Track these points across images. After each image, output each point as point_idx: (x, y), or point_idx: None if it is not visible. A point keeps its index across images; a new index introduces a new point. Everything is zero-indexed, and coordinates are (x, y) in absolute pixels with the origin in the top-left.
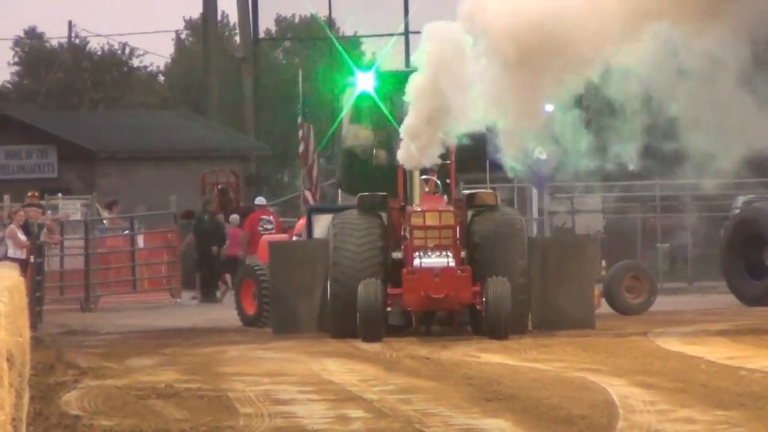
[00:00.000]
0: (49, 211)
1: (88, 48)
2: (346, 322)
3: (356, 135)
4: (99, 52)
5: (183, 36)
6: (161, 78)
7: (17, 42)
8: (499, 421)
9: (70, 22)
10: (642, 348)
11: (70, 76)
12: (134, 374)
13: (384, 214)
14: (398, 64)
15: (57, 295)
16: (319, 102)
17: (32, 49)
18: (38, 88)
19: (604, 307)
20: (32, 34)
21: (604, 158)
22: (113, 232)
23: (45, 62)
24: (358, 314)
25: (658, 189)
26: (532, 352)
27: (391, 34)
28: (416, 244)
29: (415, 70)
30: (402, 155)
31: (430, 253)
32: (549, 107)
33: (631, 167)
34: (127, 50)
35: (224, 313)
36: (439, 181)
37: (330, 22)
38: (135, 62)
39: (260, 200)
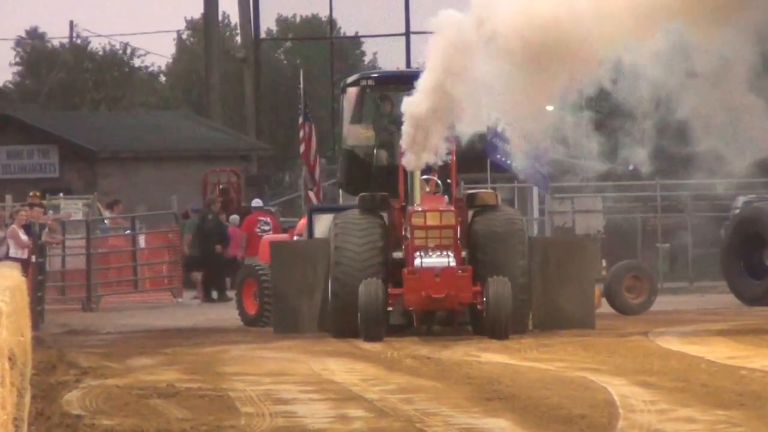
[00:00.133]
0: (51, 211)
1: (89, 48)
2: (347, 322)
3: (357, 135)
4: (100, 52)
5: (184, 36)
6: (162, 78)
7: (19, 42)
8: (500, 420)
9: (71, 22)
10: (642, 348)
11: (71, 76)
12: (135, 374)
13: (385, 214)
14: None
15: (58, 295)
16: (320, 102)
17: (34, 49)
18: (40, 88)
19: (604, 307)
20: (34, 34)
21: (614, 161)
22: (114, 232)
23: (46, 62)
24: (359, 314)
25: (658, 189)
26: (533, 351)
27: (392, 35)
28: (417, 244)
29: (417, 70)
30: (403, 155)
31: (430, 253)
32: (549, 107)
33: (643, 170)
34: (129, 50)
35: (225, 312)
36: (439, 181)
37: (330, 22)
38: (136, 62)
39: (257, 202)
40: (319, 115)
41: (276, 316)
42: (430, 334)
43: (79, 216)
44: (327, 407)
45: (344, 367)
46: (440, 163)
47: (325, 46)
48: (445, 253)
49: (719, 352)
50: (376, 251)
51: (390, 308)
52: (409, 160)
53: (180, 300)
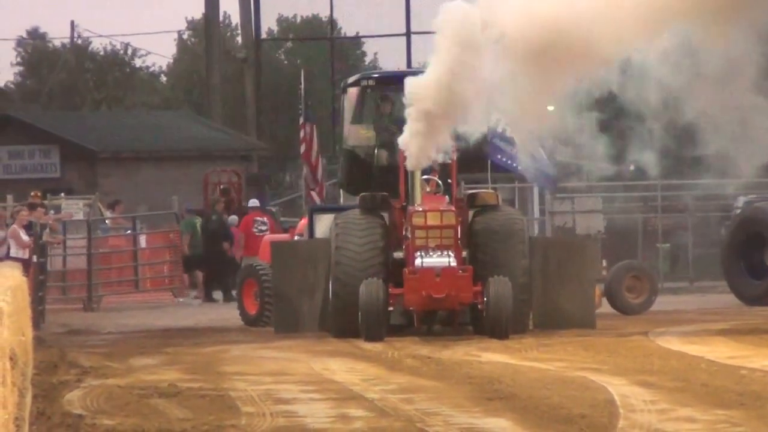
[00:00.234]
0: (52, 211)
1: (90, 48)
2: (347, 322)
3: (358, 135)
4: (101, 53)
5: (185, 36)
6: (163, 78)
7: (20, 42)
8: (500, 420)
9: (72, 23)
10: (643, 347)
11: (72, 77)
12: (136, 373)
13: (386, 214)
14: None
15: (59, 295)
16: (321, 102)
17: (35, 49)
18: (41, 88)
19: (604, 307)
20: (35, 34)
21: (619, 163)
22: (116, 232)
23: (48, 62)
24: (359, 314)
25: (659, 189)
26: (533, 351)
27: (393, 35)
28: (418, 244)
29: (418, 69)
30: (403, 155)
31: (431, 253)
32: (550, 107)
33: (650, 173)
34: (130, 50)
35: (226, 312)
36: (440, 181)
37: (331, 22)
38: (137, 62)
39: (254, 202)
40: (320, 115)
41: (277, 316)
42: (431, 334)
43: (80, 216)
44: (328, 407)
45: (345, 366)
46: (440, 161)
47: (326, 47)
48: (445, 253)
49: (719, 351)
50: (377, 251)
51: (391, 308)
52: (409, 160)
53: (181, 300)
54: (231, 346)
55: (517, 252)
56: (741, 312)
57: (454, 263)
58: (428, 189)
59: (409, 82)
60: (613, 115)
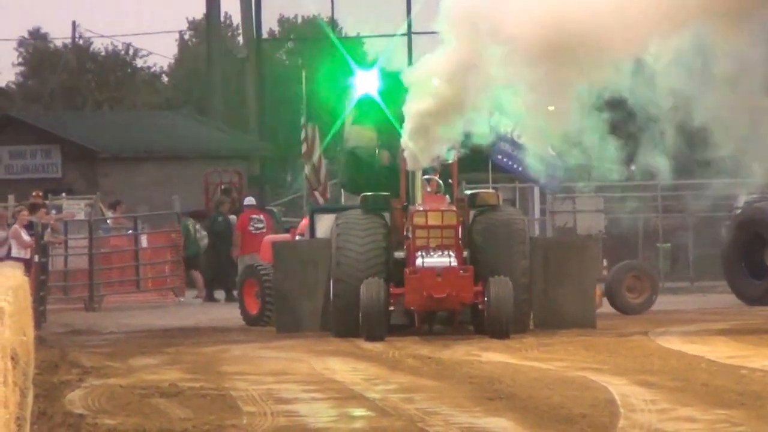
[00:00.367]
0: (53, 211)
1: (92, 49)
2: (348, 322)
3: (359, 136)
4: (103, 53)
5: (186, 36)
6: (165, 78)
7: (21, 43)
8: (501, 419)
9: (74, 23)
10: (643, 347)
11: (74, 77)
12: (138, 373)
13: (387, 214)
14: (401, 65)
15: (61, 295)
16: (321, 102)
17: (36, 49)
18: (42, 88)
19: (605, 307)
20: (36, 34)
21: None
22: (117, 232)
23: (49, 63)
24: (360, 313)
25: (659, 189)
26: (534, 351)
27: (394, 35)
28: (418, 244)
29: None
30: (404, 155)
31: (432, 253)
32: (550, 107)
33: (664, 177)
34: (131, 51)
35: (227, 312)
36: (441, 181)
37: (332, 22)
38: (138, 63)
39: (249, 200)
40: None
41: (278, 316)
42: (432, 334)
43: (82, 216)
44: (329, 406)
45: (346, 366)
46: (441, 160)
47: (328, 47)
48: (446, 253)
49: (720, 351)
50: (378, 251)
51: (391, 308)
52: (410, 160)
53: (182, 300)
54: (232, 345)
55: (517, 252)
56: (741, 312)
57: (454, 263)
58: (429, 189)
59: (410, 80)
60: (622, 116)
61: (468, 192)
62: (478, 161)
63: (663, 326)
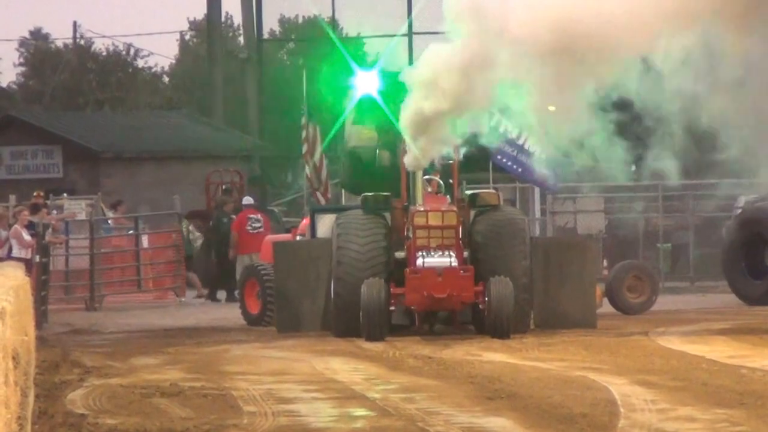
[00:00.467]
0: (54, 211)
1: (93, 49)
2: (349, 321)
3: (360, 136)
4: (104, 53)
5: (187, 37)
6: (166, 79)
7: (23, 43)
8: (501, 419)
9: (75, 23)
10: (643, 347)
11: (75, 77)
12: (139, 373)
13: (387, 215)
14: (402, 65)
15: (62, 295)
16: (322, 102)
17: (37, 49)
18: (43, 88)
19: (605, 307)
20: (37, 34)
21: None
22: (118, 232)
23: (50, 63)
24: (361, 313)
25: (660, 189)
26: (534, 351)
27: (395, 35)
28: (419, 244)
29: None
30: (405, 155)
31: (432, 253)
32: (551, 108)
33: (672, 178)
34: (132, 51)
35: (228, 312)
36: (441, 182)
37: (333, 22)
38: (140, 63)
39: (247, 200)
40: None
41: (278, 316)
42: (432, 334)
43: (83, 216)
44: (329, 406)
45: (346, 366)
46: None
47: (328, 47)
48: (447, 253)
49: (720, 351)
50: (379, 251)
51: (392, 308)
52: (410, 160)
53: (183, 299)
54: (233, 345)
55: (518, 252)
56: (741, 312)
57: (455, 263)
58: (430, 189)
59: (410, 78)
60: (629, 118)
61: (468, 192)
62: (478, 162)
63: (663, 326)
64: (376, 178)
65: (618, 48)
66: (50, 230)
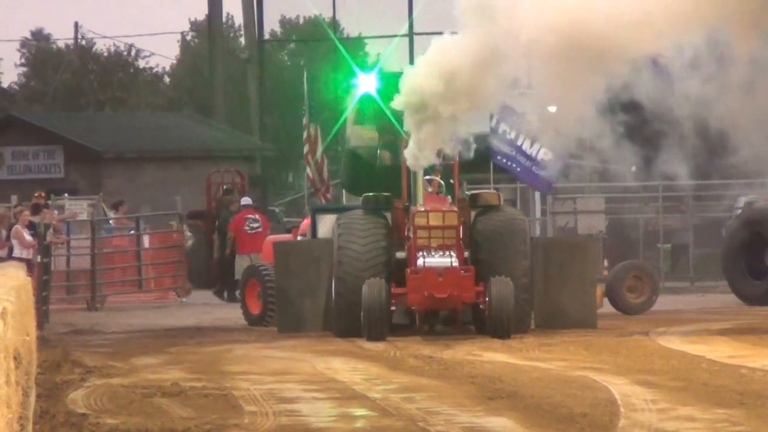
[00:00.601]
0: (55, 211)
1: (94, 49)
2: (350, 321)
3: (360, 136)
4: (105, 54)
5: (188, 37)
6: (167, 79)
7: (24, 43)
8: (502, 419)
9: (76, 24)
10: (643, 347)
11: (76, 78)
12: (140, 373)
13: (388, 215)
14: (402, 65)
15: (63, 295)
16: (323, 103)
17: (39, 50)
18: (45, 89)
19: (606, 307)
20: (39, 35)
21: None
22: (119, 232)
23: (52, 63)
24: (362, 313)
25: (660, 189)
26: (535, 351)
27: (395, 36)
28: (420, 244)
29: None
30: (406, 155)
31: (433, 253)
32: (551, 108)
33: (679, 180)
34: (133, 51)
35: (229, 312)
36: (442, 182)
37: (334, 23)
38: (141, 63)
39: (246, 200)
40: (323, 115)
41: (279, 316)
42: (433, 334)
43: (84, 216)
44: (330, 406)
45: (347, 366)
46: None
47: (329, 48)
48: (447, 253)
49: (720, 351)
50: (380, 251)
51: (393, 308)
52: (411, 160)
53: (184, 300)
54: (234, 345)
55: (518, 252)
56: (741, 312)
57: (456, 263)
58: (430, 189)
59: (410, 77)
60: (637, 120)
61: (469, 192)
62: (479, 162)
63: (663, 326)
64: (376, 178)
65: (628, 48)
66: (51, 230)
